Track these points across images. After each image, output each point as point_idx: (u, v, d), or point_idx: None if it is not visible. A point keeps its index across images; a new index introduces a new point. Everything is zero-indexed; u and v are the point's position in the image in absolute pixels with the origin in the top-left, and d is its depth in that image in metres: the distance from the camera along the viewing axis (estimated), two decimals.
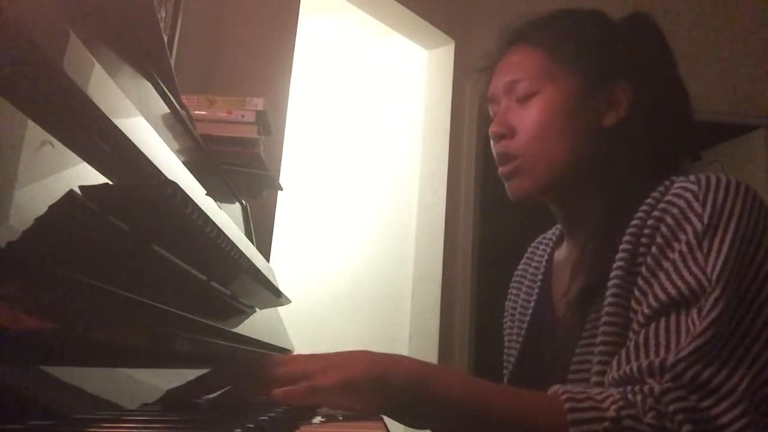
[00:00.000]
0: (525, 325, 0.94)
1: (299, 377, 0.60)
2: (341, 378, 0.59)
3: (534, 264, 0.99)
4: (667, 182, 0.74)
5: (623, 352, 0.67)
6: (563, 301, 0.85)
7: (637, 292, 0.70)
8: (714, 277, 0.64)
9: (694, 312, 0.63)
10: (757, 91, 3.29)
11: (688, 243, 0.67)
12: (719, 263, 0.64)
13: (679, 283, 0.65)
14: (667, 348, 0.63)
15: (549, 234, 1.01)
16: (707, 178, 0.70)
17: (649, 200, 0.73)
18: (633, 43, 0.84)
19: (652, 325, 0.65)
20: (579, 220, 0.86)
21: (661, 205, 0.72)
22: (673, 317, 0.65)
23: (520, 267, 1.03)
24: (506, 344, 1.00)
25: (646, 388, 0.60)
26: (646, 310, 0.67)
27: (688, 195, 0.70)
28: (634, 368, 0.63)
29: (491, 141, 0.87)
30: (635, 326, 0.68)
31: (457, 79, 2.97)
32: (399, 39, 3.05)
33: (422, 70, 3.13)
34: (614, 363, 0.67)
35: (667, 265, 0.68)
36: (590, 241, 0.80)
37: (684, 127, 0.84)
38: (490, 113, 0.90)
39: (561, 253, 0.94)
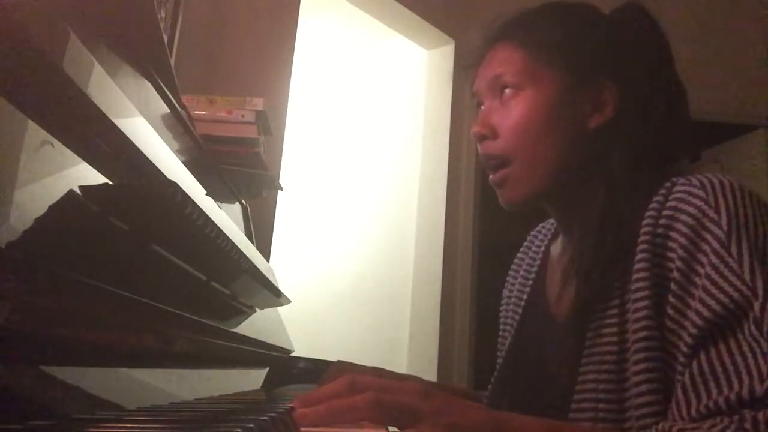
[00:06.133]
0: (518, 317, 0.94)
1: (406, 409, 0.54)
2: (449, 425, 0.54)
3: (530, 255, 0.98)
4: (667, 184, 0.72)
5: (689, 381, 0.62)
6: (559, 301, 0.85)
7: (671, 311, 0.67)
8: (758, 285, 0.61)
9: (748, 326, 0.60)
10: (757, 91, 3.29)
11: (715, 252, 0.64)
12: (756, 267, 0.62)
13: (721, 296, 0.62)
14: (748, 374, 0.58)
15: (548, 224, 0.99)
16: (710, 182, 0.68)
17: (653, 205, 0.71)
18: (623, 39, 0.82)
19: (713, 351, 0.62)
20: (573, 221, 0.85)
21: (667, 212, 0.69)
22: (731, 339, 0.61)
23: (518, 256, 1.02)
24: (501, 333, 1.00)
25: (748, 417, 0.56)
26: (693, 331, 0.64)
27: (697, 201, 0.68)
28: (721, 401, 0.59)
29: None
30: (685, 349, 0.64)
31: (457, 79, 2.97)
32: (399, 39, 3.05)
33: (422, 70, 3.13)
34: (685, 396, 0.62)
35: (700, 280, 0.65)
36: (583, 245, 0.78)
37: (678, 125, 0.81)
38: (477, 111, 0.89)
39: (556, 248, 0.93)
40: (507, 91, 0.82)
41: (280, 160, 2.15)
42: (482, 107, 0.87)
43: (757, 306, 0.60)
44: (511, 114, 0.81)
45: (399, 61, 3.14)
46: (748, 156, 3.35)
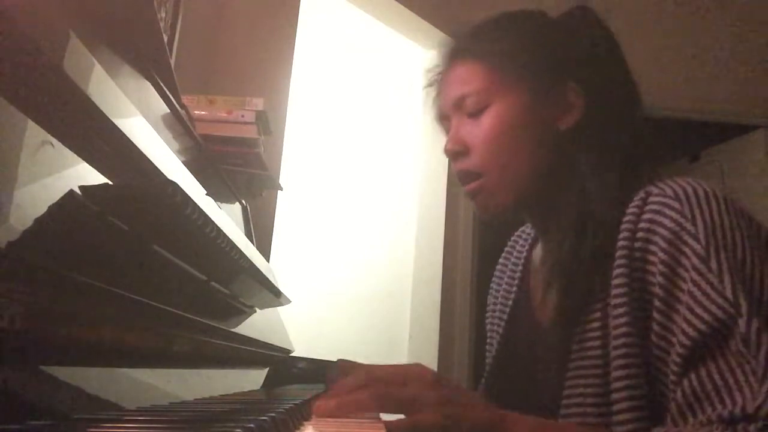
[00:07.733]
0: (503, 324, 0.94)
1: (410, 399, 0.59)
2: (450, 415, 0.58)
3: (513, 260, 0.98)
4: (642, 194, 0.71)
5: (682, 400, 0.63)
6: (543, 308, 0.84)
7: (657, 328, 0.67)
8: (741, 301, 0.61)
9: (735, 343, 0.60)
10: (757, 91, 3.29)
11: (695, 268, 0.64)
12: (737, 282, 0.62)
13: (705, 315, 0.62)
14: (739, 392, 0.59)
15: (528, 228, 0.99)
16: (685, 191, 0.68)
17: (628, 216, 0.71)
18: (577, 41, 0.82)
19: (702, 370, 0.62)
20: (550, 226, 0.84)
21: (643, 224, 0.69)
22: (719, 357, 0.61)
23: (500, 262, 1.02)
24: (488, 340, 1.00)
25: (741, 428, 0.57)
26: (681, 350, 0.64)
27: (673, 214, 0.67)
28: (713, 418, 0.59)
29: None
30: (675, 367, 0.64)
31: None
32: (399, 39, 3.05)
33: (422, 70, 3.12)
34: (680, 413, 0.63)
35: (683, 296, 0.65)
36: (561, 252, 0.78)
37: (638, 121, 0.81)
38: (443, 129, 0.89)
39: (538, 253, 0.93)
40: (474, 107, 0.82)
41: (280, 160, 2.15)
42: (444, 123, 0.88)
43: (742, 323, 0.60)
44: (482, 129, 0.81)
45: (399, 60, 3.14)
46: (748, 156, 3.35)
